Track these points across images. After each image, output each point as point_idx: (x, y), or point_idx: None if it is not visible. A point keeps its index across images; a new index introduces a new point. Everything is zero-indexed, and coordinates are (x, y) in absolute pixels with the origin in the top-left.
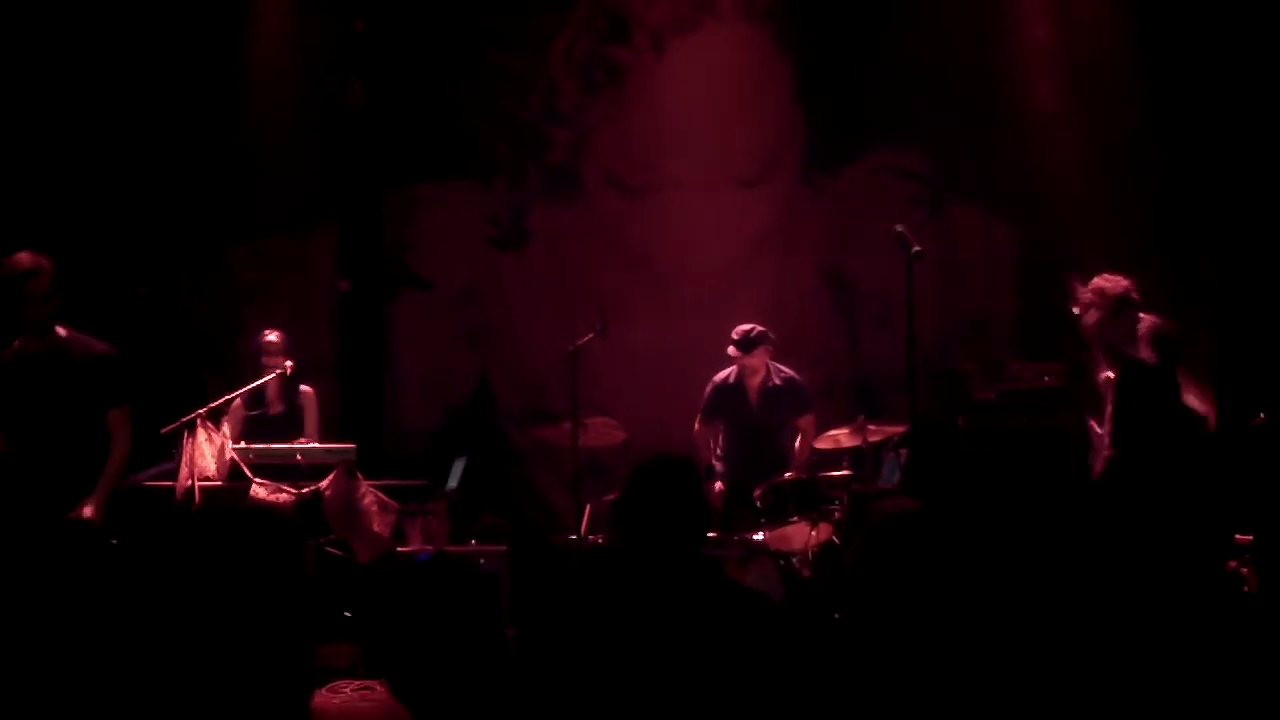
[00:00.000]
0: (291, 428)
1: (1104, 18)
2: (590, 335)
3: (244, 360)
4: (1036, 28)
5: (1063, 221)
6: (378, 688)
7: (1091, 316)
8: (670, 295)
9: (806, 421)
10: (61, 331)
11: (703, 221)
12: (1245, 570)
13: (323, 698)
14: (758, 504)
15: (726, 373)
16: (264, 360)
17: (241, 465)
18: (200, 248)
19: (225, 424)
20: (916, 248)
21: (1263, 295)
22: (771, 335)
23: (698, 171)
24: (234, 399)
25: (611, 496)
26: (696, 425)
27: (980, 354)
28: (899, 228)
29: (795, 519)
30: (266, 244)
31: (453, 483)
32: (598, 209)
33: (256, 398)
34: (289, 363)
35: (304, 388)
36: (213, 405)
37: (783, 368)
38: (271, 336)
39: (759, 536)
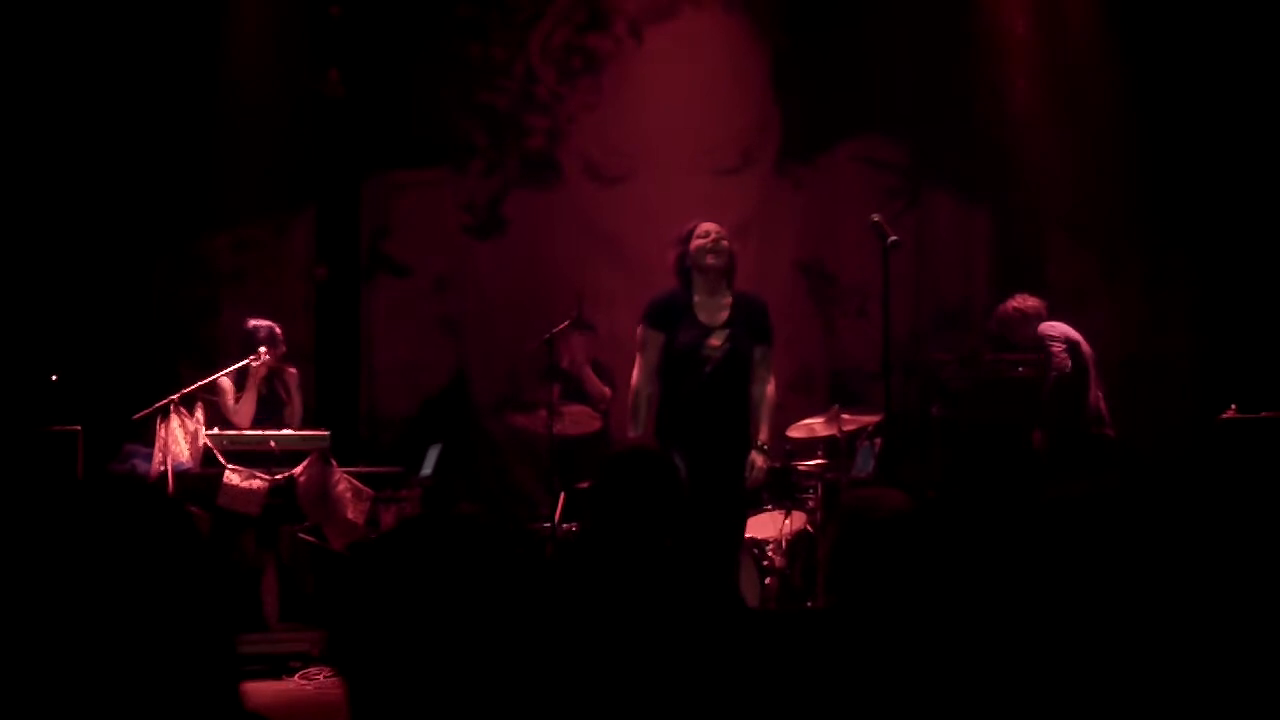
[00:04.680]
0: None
1: (1081, 8)
2: (566, 323)
3: (220, 346)
4: (1014, 18)
5: (1039, 212)
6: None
7: None
8: (647, 283)
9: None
10: None
11: (680, 210)
12: None
13: (295, 685)
14: None
15: None
16: (268, 350)
17: (215, 451)
18: (176, 235)
19: (200, 410)
20: (893, 237)
21: (1235, 285)
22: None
23: (675, 160)
24: (209, 383)
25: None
26: None
27: (955, 344)
28: (875, 217)
29: (769, 507)
30: (243, 231)
31: (427, 470)
32: (575, 197)
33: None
34: (264, 350)
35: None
36: (186, 390)
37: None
38: (276, 329)
39: None
